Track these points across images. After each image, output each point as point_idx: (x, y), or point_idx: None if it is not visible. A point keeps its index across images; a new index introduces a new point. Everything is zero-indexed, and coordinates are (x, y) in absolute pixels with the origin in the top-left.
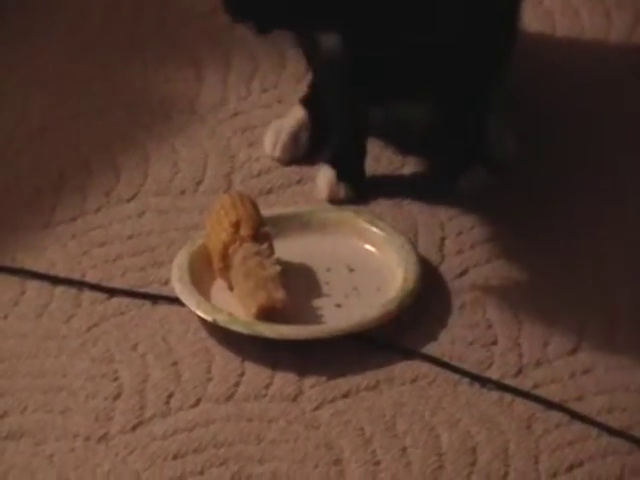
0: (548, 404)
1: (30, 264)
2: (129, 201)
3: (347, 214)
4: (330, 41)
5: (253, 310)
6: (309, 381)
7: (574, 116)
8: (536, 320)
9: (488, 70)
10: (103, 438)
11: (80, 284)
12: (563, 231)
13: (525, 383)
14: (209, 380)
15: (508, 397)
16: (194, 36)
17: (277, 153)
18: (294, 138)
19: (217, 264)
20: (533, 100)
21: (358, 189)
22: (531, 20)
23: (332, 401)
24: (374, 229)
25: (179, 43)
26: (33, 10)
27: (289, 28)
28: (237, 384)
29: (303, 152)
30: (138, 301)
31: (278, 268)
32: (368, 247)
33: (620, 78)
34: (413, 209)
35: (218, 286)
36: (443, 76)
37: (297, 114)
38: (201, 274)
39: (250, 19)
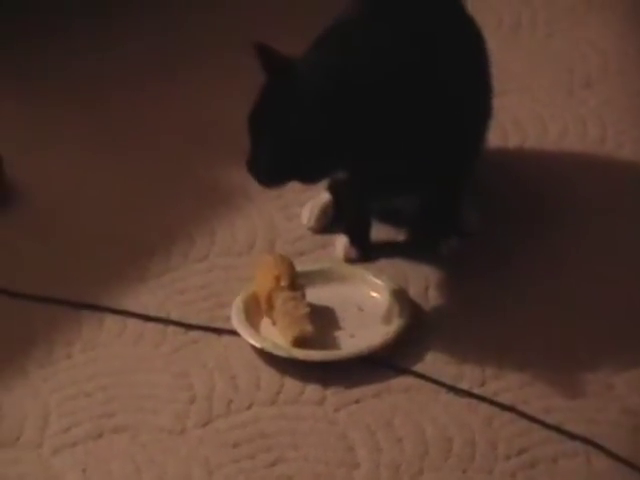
0: (503, 407)
1: (130, 306)
2: (201, 261)
3: (358, 269)
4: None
5: (290, 339)
6: (331, 391)
7: (519, 199)
8: (495, 345)
9: (458, 177)
10: (182, 432)
11: (166, 321)
12: (513, 282)
13: (487, 391)
14: (258, 390)
15: (474, 402)
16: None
17: (311, 223)
18: (323, 213)
19: (264, 306)
20: (491, 188)
21: (365, 252)
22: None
23: (347, 405)
24: (377, 280)
25: (237, 146)
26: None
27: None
28: (278, 393)
29: (329, 224)
30: (208, 333)
31: (308, 309)
32: (373, 294)
33: (557, 171)
34: (405, 266)
35: (265, 322)
36: (427, 183)
37: (325, 196)
38: (253, 313)
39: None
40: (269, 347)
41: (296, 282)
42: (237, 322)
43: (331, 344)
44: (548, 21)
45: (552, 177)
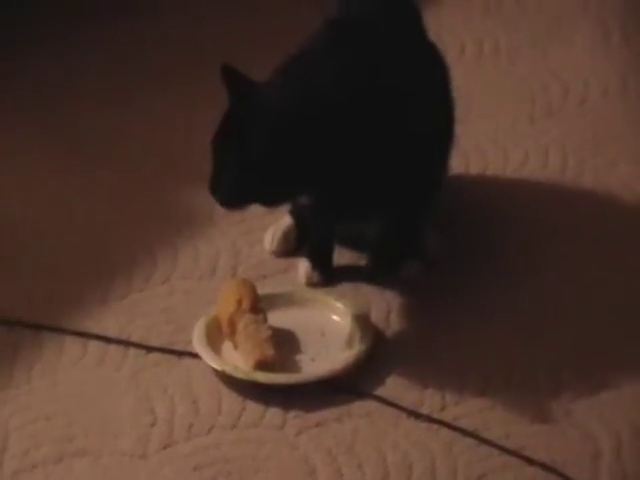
0: (463, 432)
1: (91, 329)
2: (163, 284)
3: (320, 293)
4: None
5: (251, 363)
6: (292, 414)
7: (481, 226)
8: (455, 370)
9: (420, 203)
10: (142, 456)
11: (127, 343)
12: (474, 308)
13: (447, 416)
14: (219, 413)
15: (435, 427)
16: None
17: (273, 247)
18: (286, 237)
19: (225, 329)
20: (453, 214)
21: (328, 276)
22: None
23: (308, 429)
24: (339, 304)
25: (201, 170)
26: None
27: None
28: (239, 416)
29: (291, 248)
30: (169, 356)
31: (270, 332)
32: (335, 317)
33: (518, 199)
34: (367, 290)
35: (226, 346)
36: (389, 208)
37: (287, 221)
38: (214, 337)
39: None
40: (230, 370)
41: (258, 305)
42: (198, 345)
43: (292, 368)
44: (510, 50)
45: (513, 204)
